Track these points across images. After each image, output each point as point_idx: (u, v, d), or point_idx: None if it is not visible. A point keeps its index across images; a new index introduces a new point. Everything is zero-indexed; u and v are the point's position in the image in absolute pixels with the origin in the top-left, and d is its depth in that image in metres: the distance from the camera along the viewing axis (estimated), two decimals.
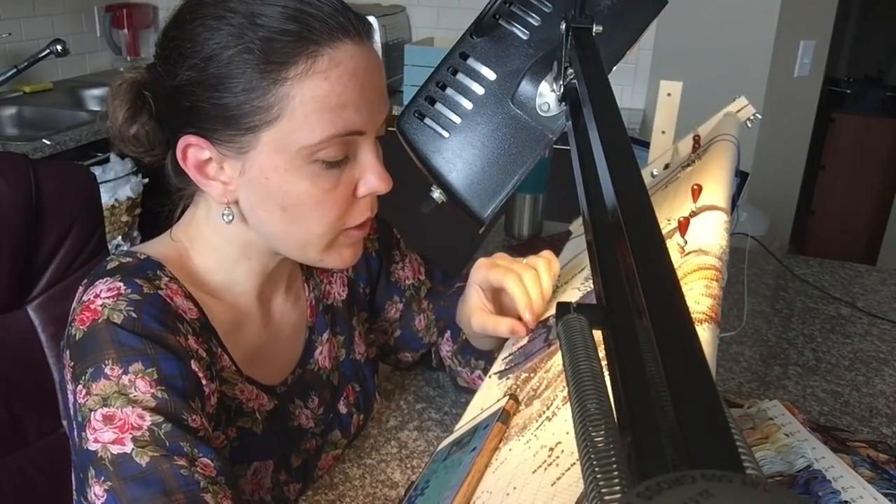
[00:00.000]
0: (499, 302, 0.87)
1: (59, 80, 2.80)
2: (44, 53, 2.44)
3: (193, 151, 0.69)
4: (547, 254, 0.87)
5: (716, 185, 0.78)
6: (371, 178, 0.72)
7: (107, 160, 2.17)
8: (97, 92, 2.74)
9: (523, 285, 0.82)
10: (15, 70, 2.45)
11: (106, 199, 2.11)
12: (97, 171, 2.07)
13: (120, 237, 2.22)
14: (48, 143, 2.06)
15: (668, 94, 1.16)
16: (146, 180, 2.22)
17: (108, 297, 0.67)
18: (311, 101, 0.65)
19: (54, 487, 0.97)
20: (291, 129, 0.66)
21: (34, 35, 2.70)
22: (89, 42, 3.00)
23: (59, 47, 2.42)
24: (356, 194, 0.72)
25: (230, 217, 0.72)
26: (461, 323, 0.92)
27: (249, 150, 0.67)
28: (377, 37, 2.66)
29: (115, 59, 3.09)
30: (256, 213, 0.71)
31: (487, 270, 0.85)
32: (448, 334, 1.00)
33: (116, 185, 2.16)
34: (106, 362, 0.64)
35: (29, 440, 0.96)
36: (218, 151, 0.68)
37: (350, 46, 0.67)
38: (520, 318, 0.83)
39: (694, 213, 0.73)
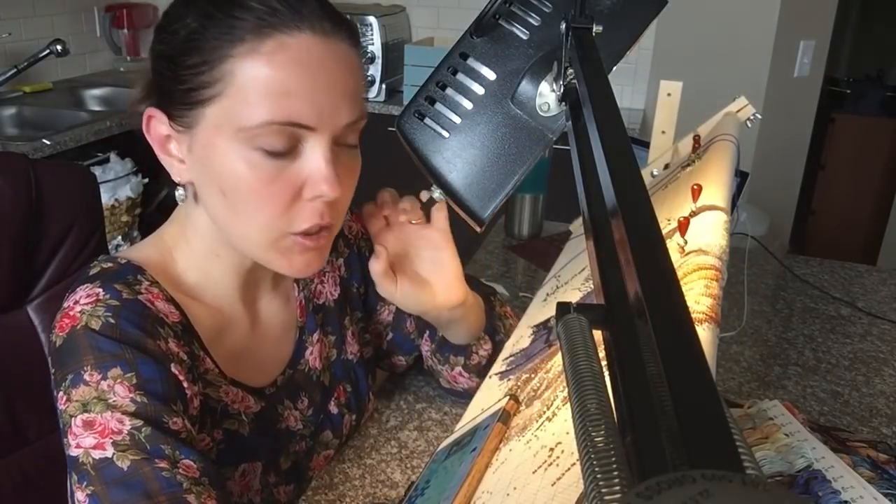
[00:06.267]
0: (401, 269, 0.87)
1: (59, 80, 2.80)
2: (44, 53, 2.44)
3: (154, 124, 0.70)
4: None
5: (716, 185, 0.78)
6: (317, 181, 0.68)
7: (107, 160, 2.17)
8: (97, 92, 2.75)
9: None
10: (15, 70, 2.45)
11: (106, 199, 2.11)
12: (97, 171, 2.07)
13: (120, 237, 2.22)
14: (48, 143, 2.06)
15: (668, 94, 1.16)
16: (146, 180, 2.22)
17: (87, 304, 0.67)
18: (252, 81, 0.65)
19: (54, 487, 0.97)
20: (232, 108, 0.66)
21: (34, 35, 2.70)
22: (89, 42, 3.00)
23: (59, 47, 2.42)
24: (302, 195, 0.69)
25: (184, 196, 0.74)
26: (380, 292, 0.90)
27: (195, 125, 0.68)
28: (377, 38, 2.66)
29: (115, 59, 3.09)
30: (203, 195, 0.72)
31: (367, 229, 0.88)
32: (427, 334, 0.99)
33: (116, 185, 2.16)
34: (85, 368, 0.65)
35: (29, 440, 0.96)
36: (171, 126, 0.70)
37: (309, 38, 0.66)
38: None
39: (694, 213, 0.73)
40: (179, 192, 0.74)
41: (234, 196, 0.69)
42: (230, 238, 0.74)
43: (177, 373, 0.68)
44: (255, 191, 0.68)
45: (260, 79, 0.65)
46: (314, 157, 0.68)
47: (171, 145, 0.71)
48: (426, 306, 0.87)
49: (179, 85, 0.67)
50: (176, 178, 0.72)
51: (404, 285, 0.85)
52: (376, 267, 0.84)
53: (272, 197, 0.68)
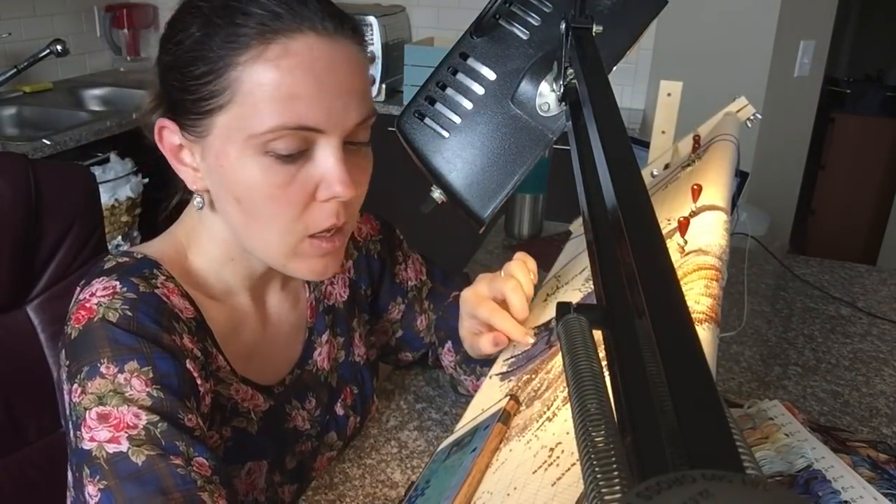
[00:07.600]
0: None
1: (59, 80, 2.80)
2: (44, 53, 2.43)
3: (167, 134, 0.71)
4: (520, 255, 0.86)
5: (716, 185, 0.78)
6: (331, 182, 0.68)
7: (107, 160, 2.17)
8: (97, 92, 2.75)
9: (510, 318, 0.82)
10: (15, 70, 2.45)
11: (106, 199, 2.11)
12: (97, 171, 2.07)
13: (120, 237, 2.22)
14: (48, 143, 2.06)
15: (668, 94, 1.16)
16: (146, 180, 2.22)
17: (104, 296, 0.67)
18: (259, 88, 0.65)
19: (54, 487, 0.97)
20: (242, 116, 0.66)
21: (34, 35, 2.70)
22: (89, 42, 3.00)
23: (59, 47, 2.42)
24: (316, 197, 0.69)
25: (201, 204, 0.73)
26: (464, 344, 0.91)
27: (207, 135, 0.68)
28: (377, 38, 2.66)
29: (115, 59, 3.09)
30: (220, 203, 0.72)
31: (474, 308, 0.84)
32: (449, 345, 0.99)
33: (116, 185, 2.16)
34: (101, 361, 0.64)
35: (29, 440, 0.96)
36: (184, 136, 0.70)
37: (313, 39, 0.66)
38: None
39: (694, 213, 0.73)
40: (197, 201, 0.73)
41: (250, 203, 0.69)
42: (249, 247, 0.74)
43: (191, 369, 0.68)
44: (270, 196, 0.68)
45: (267, 84, 0.65)
46: (326, 159, 0.68)
47: (183, 154, 0.71)
48: (486, 352, 0.87)
49: (188, 95, 0.67)
50: (192, 187, 0.72)
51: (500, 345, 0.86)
52: (491, 351, 0.84)
53: (288, 201, 0.68)
